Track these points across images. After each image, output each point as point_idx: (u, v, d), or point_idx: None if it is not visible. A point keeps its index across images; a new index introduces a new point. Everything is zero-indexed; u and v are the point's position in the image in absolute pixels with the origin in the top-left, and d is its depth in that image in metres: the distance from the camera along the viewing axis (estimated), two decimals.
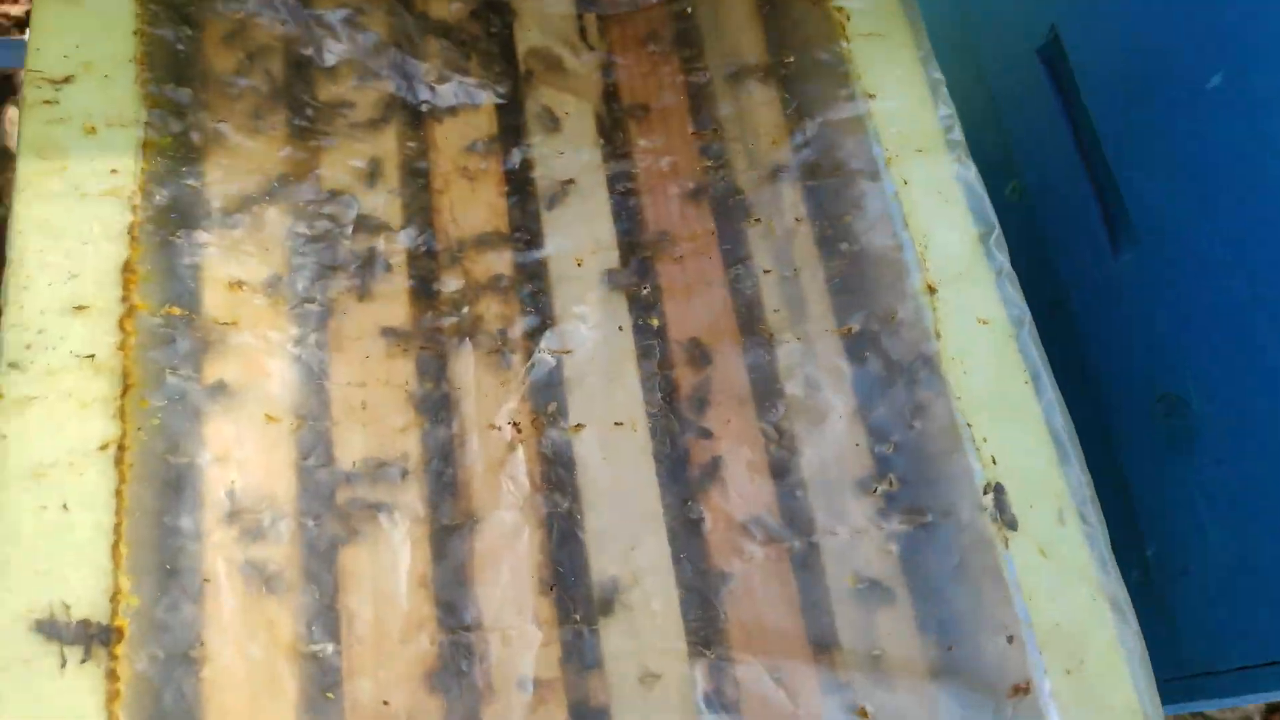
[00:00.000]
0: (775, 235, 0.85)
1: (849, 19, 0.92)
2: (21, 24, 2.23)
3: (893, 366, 0.80)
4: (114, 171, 0.74)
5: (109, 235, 0.71)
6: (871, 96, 0.89)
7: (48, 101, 0.75)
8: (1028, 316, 0.82)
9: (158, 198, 0.74)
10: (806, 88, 0.89)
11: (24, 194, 0.71)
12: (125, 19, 0.79)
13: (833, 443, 0.78)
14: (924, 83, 0.90)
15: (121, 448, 0.65)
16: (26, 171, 0.72)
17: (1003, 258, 0.84)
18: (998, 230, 0.85)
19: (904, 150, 0.87)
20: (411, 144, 0.86)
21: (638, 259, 0.84)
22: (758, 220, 0.86)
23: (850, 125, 0.87)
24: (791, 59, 0.91)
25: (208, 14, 0.84)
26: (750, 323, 0.82)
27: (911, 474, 0.77)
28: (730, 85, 0.92)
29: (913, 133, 0.88)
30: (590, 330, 0.81)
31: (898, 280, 0.82)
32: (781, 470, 0.77)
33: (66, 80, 0.76)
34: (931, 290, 0.82)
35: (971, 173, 0.87)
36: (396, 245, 0.81)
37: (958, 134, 0.88)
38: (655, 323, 0.82)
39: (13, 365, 0.66)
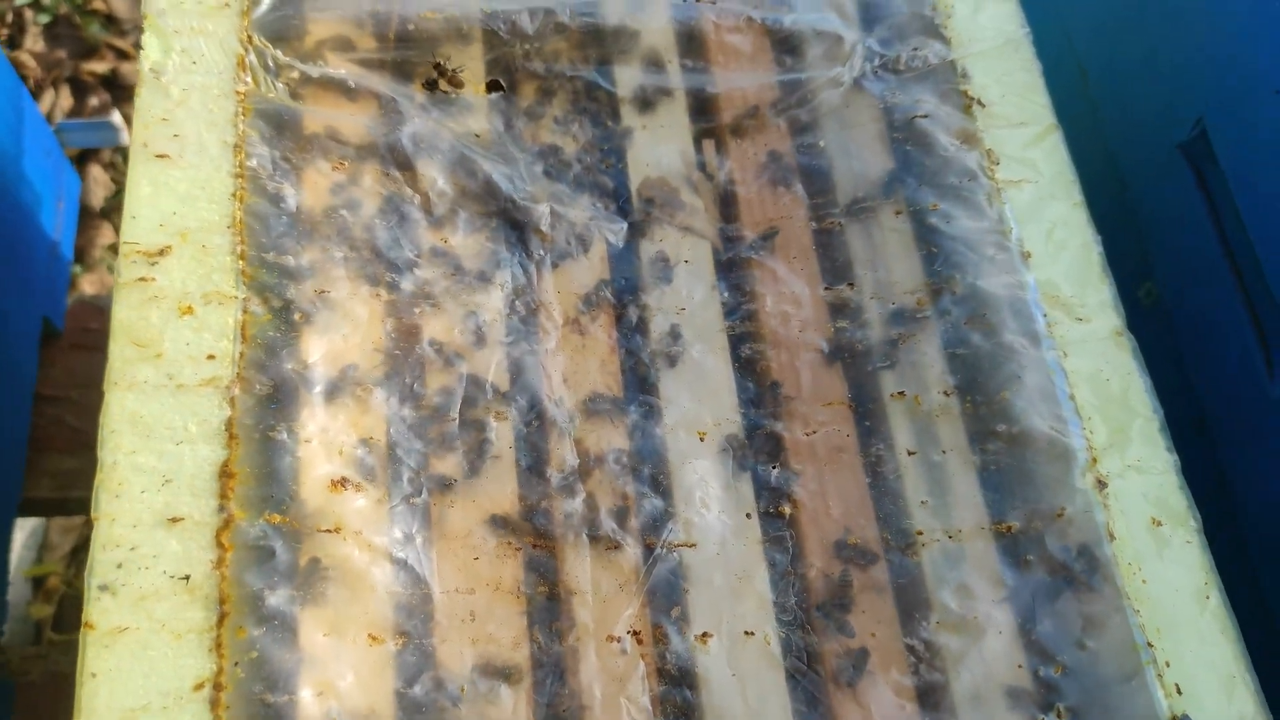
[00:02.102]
0: (920, 411, 0.77)
1: (998, 164, 0.83)
2: (106, 81, 2.25)
3: (1059, 572, 0.71)
4: (211, 358, 0.69)
5: (206, 434, 0.66)
6: (1028, 255, 0.80)
7: (142, 279, 0.70)
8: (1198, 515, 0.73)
9: (258, 387, 0.69)
10: (953, 241, 0.81)
11: (116, 386, 0.67)
12: (223, 180, 0.75)
13: (990, 663, 0.69)
14: (1089, 241, 0.81)
15: (217, 687, 0.59)
16: (119, 360, 0.67)
17: (1172, 449, 0.74)
18: (1161, 415, 0.75)
19: (1065, 317, 0.78)
20: (520, 299, 0.79)
21: (765, 433, 0.77)
22: (900, 393, 0.77)
23: (1006, 287, 0.78)
24: (936, 205, 0.82)
25: (310, 168, 0.78)
26: (894, 515, 0.74)
27: (1084, 703, 0.68)
28: (865, 229, 0.84)
29: (1075, 298, 0.78)
30: (715, 519, 0.73)
31: (1063, 471, 0.73)
32: (931, 695, 0.68)
33: (162, 253, 0.71)
34: (1102, 484, 0.72)
35: (1135, 346, 0.77)
36: (506, 419, 0.75)
37: (1119, 301, 0.79)
38: (786, 511, 0.74)
39: (104, 589, 0.61)
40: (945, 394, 0.77)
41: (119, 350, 0.68)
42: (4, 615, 1.38)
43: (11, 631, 1.60)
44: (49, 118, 2.21)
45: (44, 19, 2.29)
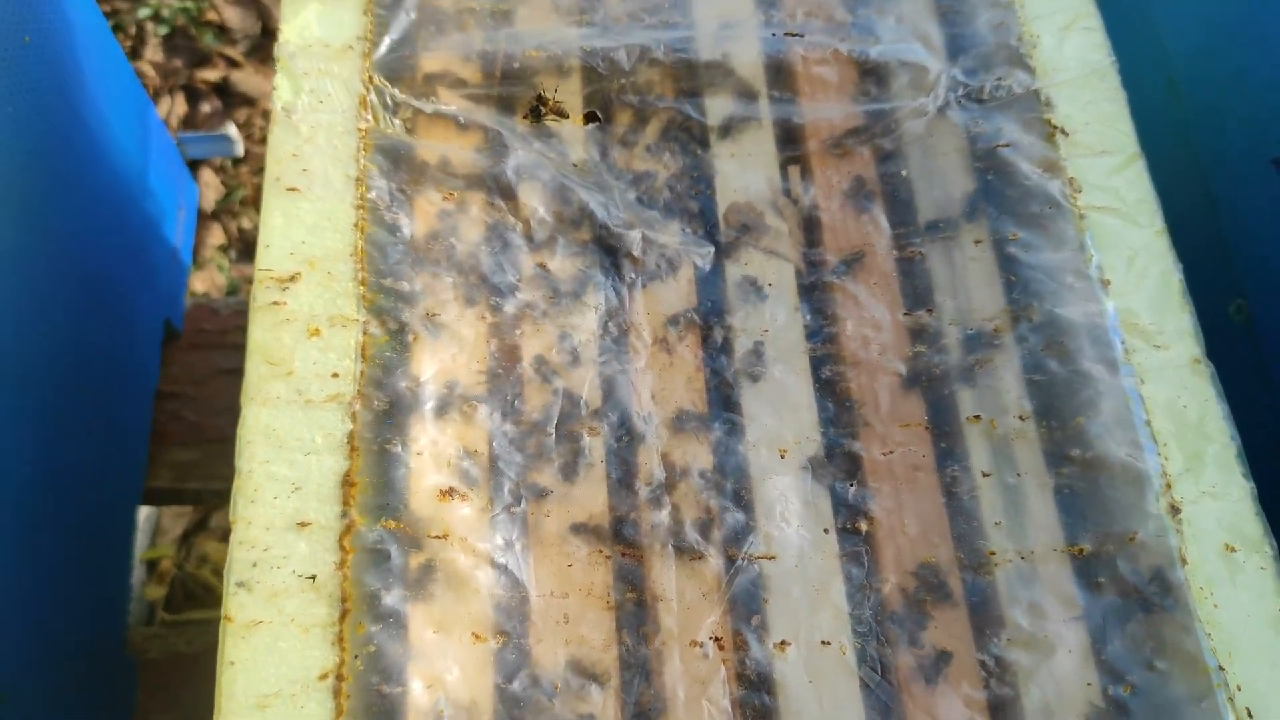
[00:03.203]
0: (995, 434, 0.79)
1: (1080, 191, 0.85)
2: (218, 89, 2.37)
3: (1130, 594, 0.73)
4: (335, 376, 0.75)
5: (330, 446, 0.73)
6: (1107, 283, 0.82)
7: (275, 303, 0.77)
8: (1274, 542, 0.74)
9: (376, 402, 0.75)
10: (1031, 269, 0.83)
11: (252, 401, 0.74)
12: (346, 211, 0.81)
13: (1060, 681, 0.71)
14: (1170, 269, 0.82)
15: (340, 678, 0.66)
16: (254, 377, 0.74)
17: (1249, 476, 0.76)
18: (1238, 442, 0.77)
19: (1144, 344, 0.80)
20: (613, 320, 0.84)
21: (843, 452, 0.80)
22: (976, 417, 0.80)
23: (1084, 315, 0.81)
24: (1016, 234, 0.85)
25: (422, 198, 0.85)
26: (968, 535, 0.77)
27: None
28: (945, 256, 0.87)
29: (1154, 325, 0.80)
30: (794, 533, 0.77)
31: (1137, 495, 0.75)
32: (1002, 709, 0.71)
33: (292, 279, 0.78)
34: (1175, 510, 0.74)
35: (1214, 373, 0.79)
36: (598, 434, 0.80)
37: (1198, 329, 0.80)
38: (863, 528, 0.78)
39: (241, 585, 0.68)
40: (1021, 418, 0.79)
41: (254, 368, 0.75)
42: (128, 596, 1.49)
43: (130, 611, 1.72)
44: (166, 123, 2.35)
45: (163, 30, 2.43)
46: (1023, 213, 0.85)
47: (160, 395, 1.55)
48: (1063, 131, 0.88)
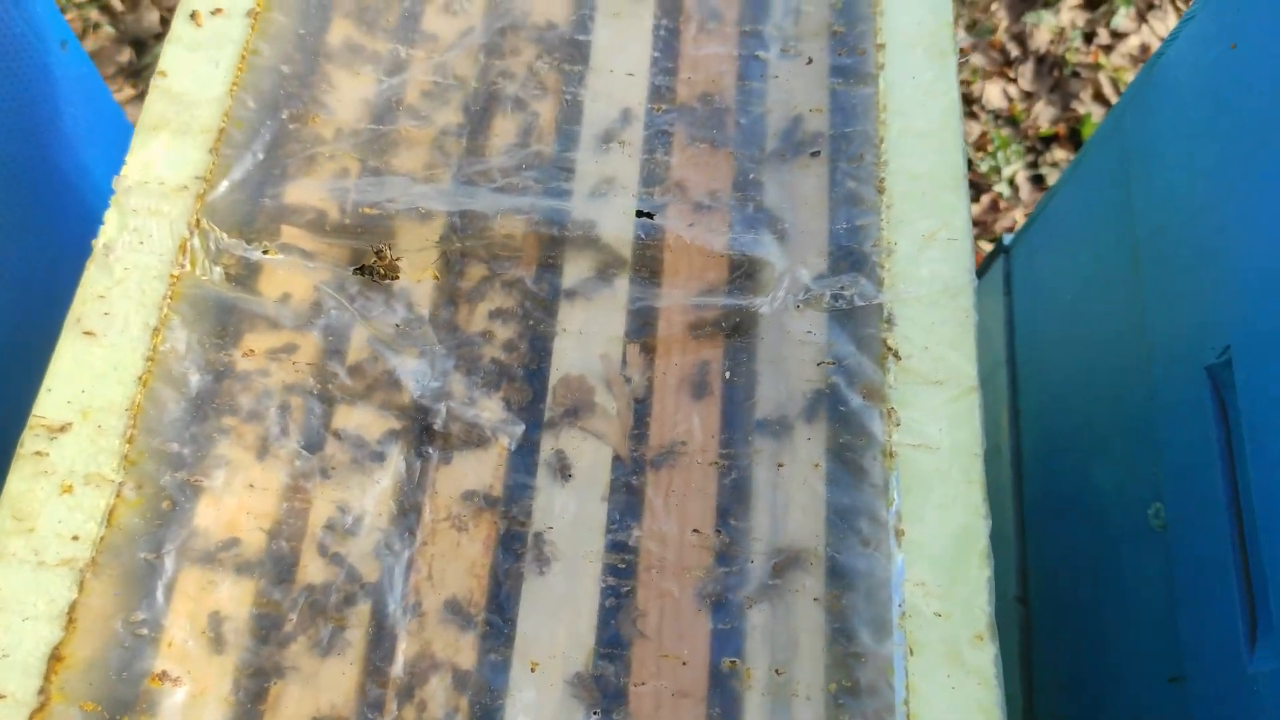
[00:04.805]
0: (751, 685, 0.74)
1: (898, 425, 0.80)
2: None
3: None
4: (75, 539, 0.75)
5: (50, 614, 0.72)
6: (902, 534, 0.76)
7: (39, 453, 0.77)
8: None
9: (109, 572, 0.75)
10: (825, 505, 0.78)
11: None
12: (135, 362, 0.81)
13: None
14: (975, 528, 0.76)
15: None
16: (0, 529, 0.75)
17: None
18: None
19: (924, 610, 0.74)
20: (397, 498, 0.82)
21: (603, 674, 0.76)
22: (734, 662, 0.75)
23: (868, 566, 0.75)
24: (818, 464, 0.80)
25: (221, 354, 0.84)
26: None
27: None
28: (750, 474, 0.82)
29: (941, 589, 0.74)
30: None
31: None
32: None
33: (62, 429, 0.78)
34: None
35: (997, 654, 0.72)
36: (351, 619, 0.77)
37: (993, 600, 0.74)
38: None
39: None
40: (778, 673, 0.74)
41: (1, 521, 0.75)
42: None
43: None
44: None
45: None
46: (833, 441, 0.80)
47: None
48: (896, 355, 0.82)
